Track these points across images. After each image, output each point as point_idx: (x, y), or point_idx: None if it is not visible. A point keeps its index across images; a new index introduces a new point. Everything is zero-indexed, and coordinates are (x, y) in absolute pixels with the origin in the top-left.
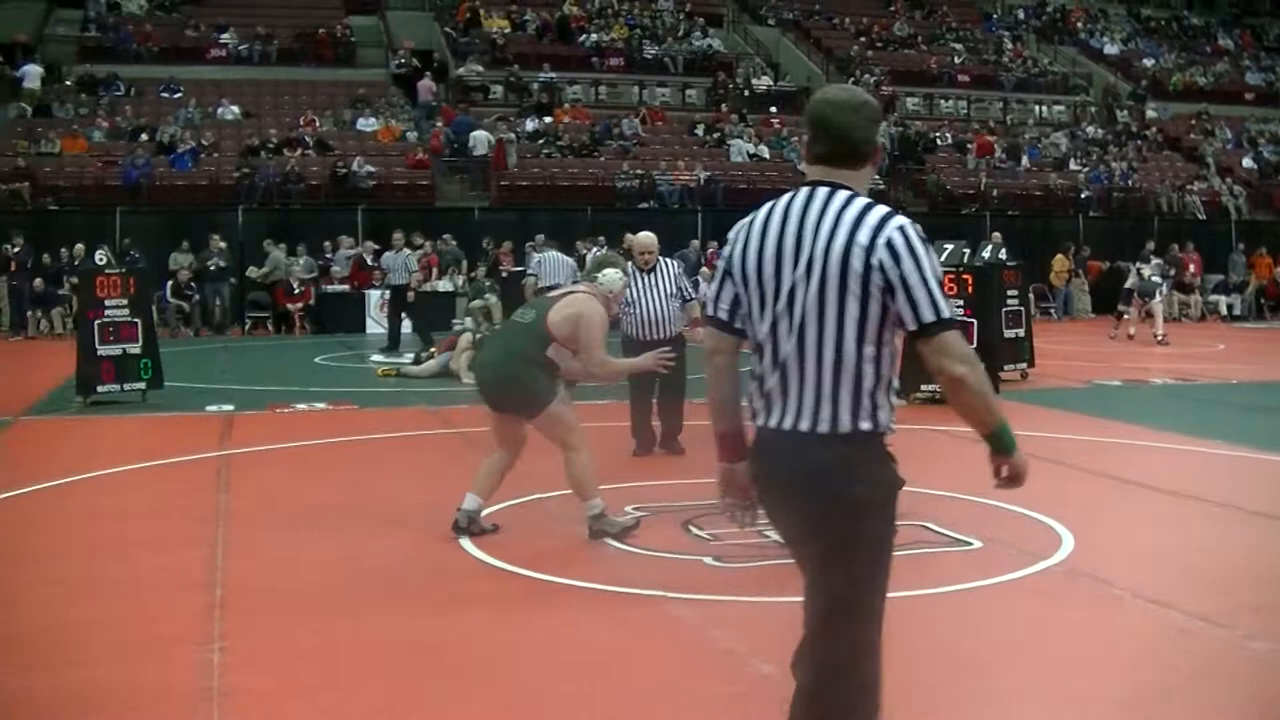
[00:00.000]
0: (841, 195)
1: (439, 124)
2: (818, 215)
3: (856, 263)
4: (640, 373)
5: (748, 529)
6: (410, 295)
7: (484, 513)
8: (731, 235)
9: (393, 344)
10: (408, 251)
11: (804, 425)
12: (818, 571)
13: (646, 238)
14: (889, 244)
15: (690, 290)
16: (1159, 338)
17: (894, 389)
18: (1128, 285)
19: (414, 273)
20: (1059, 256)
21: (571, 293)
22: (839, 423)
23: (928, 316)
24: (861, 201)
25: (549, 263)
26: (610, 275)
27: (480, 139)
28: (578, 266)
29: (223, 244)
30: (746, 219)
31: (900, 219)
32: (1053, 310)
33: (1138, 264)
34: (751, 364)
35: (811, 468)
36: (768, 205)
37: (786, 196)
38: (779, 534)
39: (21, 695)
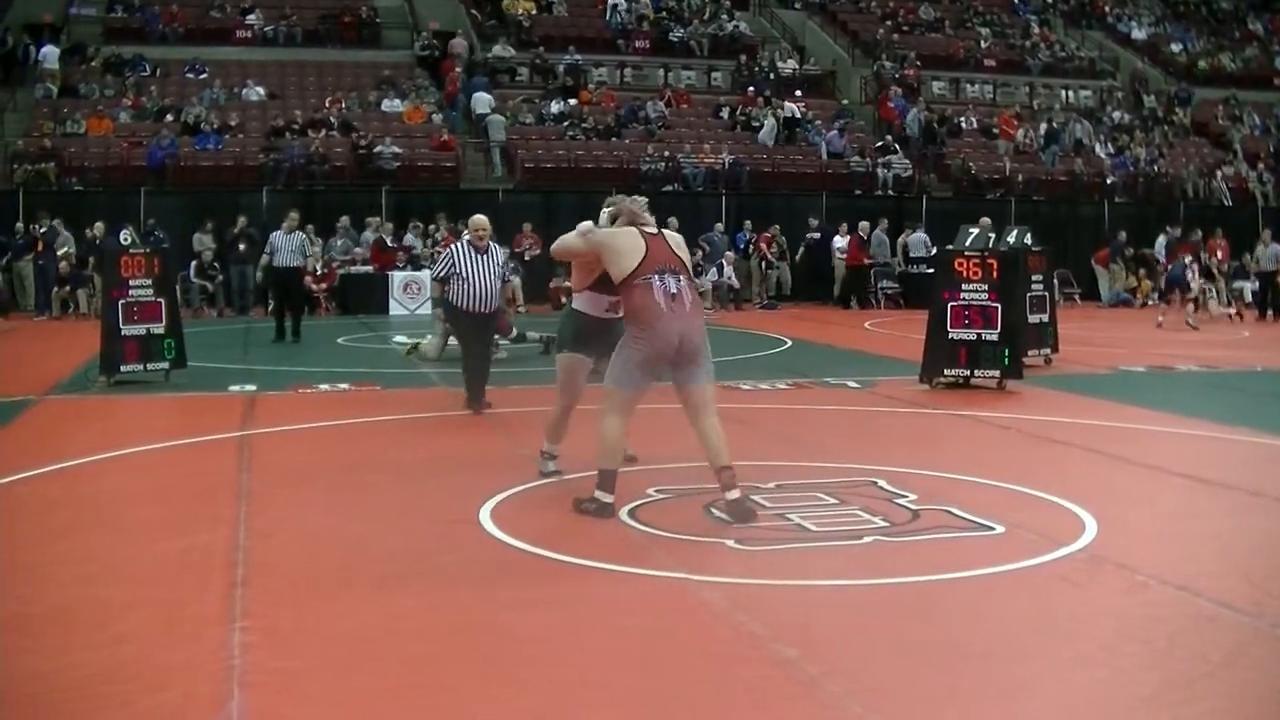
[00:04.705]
0: None
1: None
2: None
3: None
4: None
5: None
6: (309, 280)
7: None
8: None
9: (280, 334)
10: (301, 234)
11: None
12: None
13: (480, 220)
14: None
15: (509, 272)
16: (1190, 323)
17: None
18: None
19: (309, 256)
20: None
21: None
22: None
23: None
24: None
25: None
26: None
27: (481, 100)
28: None
29: (251, 228)
30: None
31: None
32: (1076, 296)
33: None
34: None
35: None
36: None
37: None
38: None
39: (49, 675)
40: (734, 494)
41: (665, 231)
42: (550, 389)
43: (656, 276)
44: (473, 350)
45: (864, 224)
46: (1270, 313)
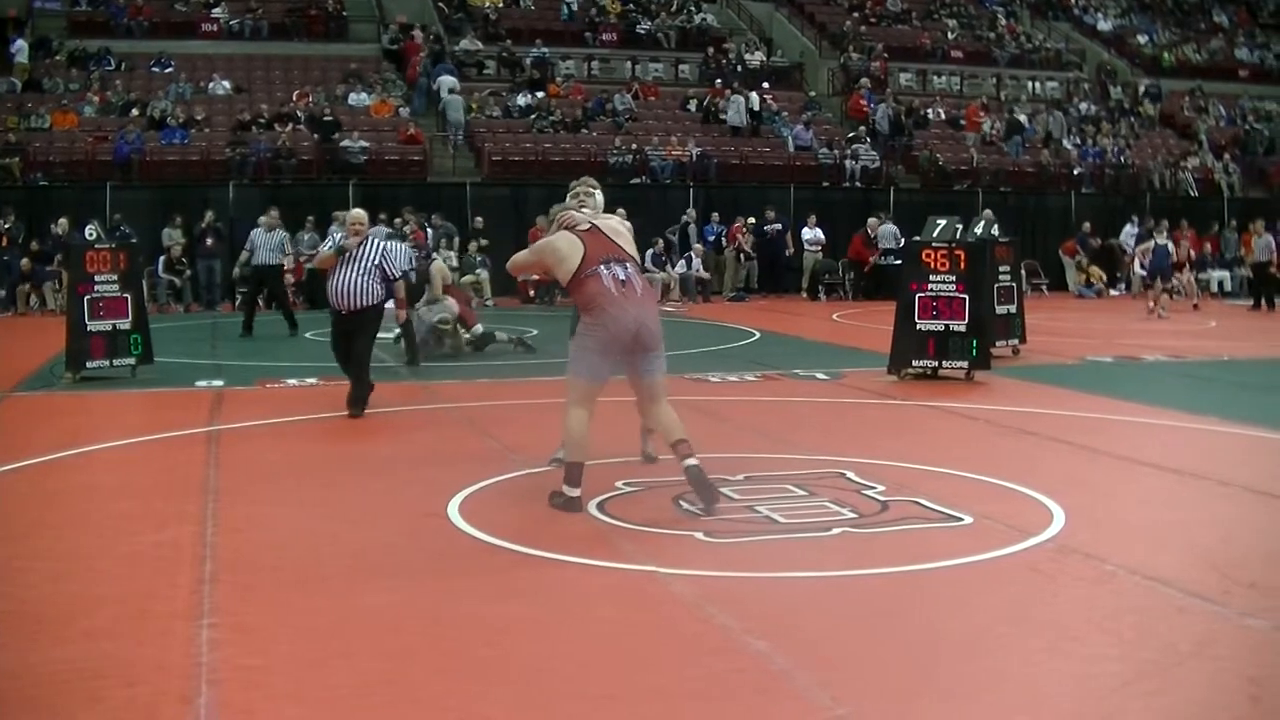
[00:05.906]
0: None
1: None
2: None
3: None
4: None
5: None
6: (290, 276)
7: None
8: None
9: (248, 329)
10: (282, 232)
11: None
12: None
13: (356, 213)
14: None
15: (395, 270)
16: (1162, 313)
17: None
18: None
19: (289, 255)
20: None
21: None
22: None
23: None
24: None
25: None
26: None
27: (446, 83)
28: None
29: (218, 223)
30: None
31: None
32: (1044, 287)
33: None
34: None
35: None
36: None
37: None
38: None
39: (20, 672)
40: (692, 460)
41: (599, 223)
42: (512, 384)
43: (602, 266)
44: (339, 350)
45: (872, 220)
46: (1264, 303)
